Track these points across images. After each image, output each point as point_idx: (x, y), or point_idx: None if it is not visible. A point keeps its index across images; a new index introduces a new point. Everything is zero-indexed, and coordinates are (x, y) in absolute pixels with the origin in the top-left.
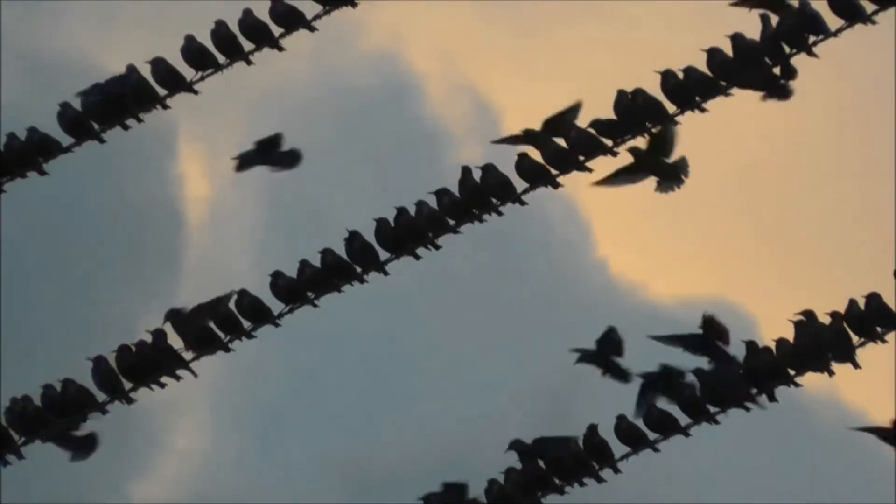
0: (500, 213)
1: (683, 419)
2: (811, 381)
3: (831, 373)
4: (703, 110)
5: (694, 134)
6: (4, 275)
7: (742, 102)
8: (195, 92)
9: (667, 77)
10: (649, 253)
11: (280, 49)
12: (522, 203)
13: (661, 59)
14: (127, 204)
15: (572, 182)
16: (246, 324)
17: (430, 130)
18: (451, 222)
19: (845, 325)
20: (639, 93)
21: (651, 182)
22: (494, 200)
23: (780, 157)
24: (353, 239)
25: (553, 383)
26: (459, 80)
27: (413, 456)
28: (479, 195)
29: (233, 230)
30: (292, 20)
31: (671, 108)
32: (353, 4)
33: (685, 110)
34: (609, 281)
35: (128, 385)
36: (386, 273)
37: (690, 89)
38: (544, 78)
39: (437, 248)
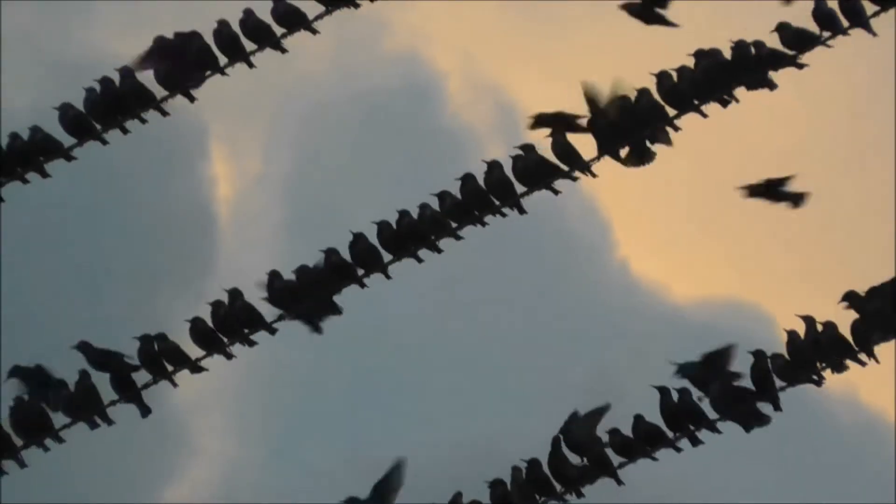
0: (503, 215)
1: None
2: (830, 381)
3: (822, 381)
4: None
5: (708, 135)
6: (25, 271)
7: (757, 102)
8: (192, 99)
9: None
10: (669, 254)
11: (283, 51)
12: (522, 211)
13: (686, 59)
14: (151, 203)
15: (591, 182)
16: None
17: (451, 131)
18: (454, 225)
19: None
20: (643, 93)
21: (669, 181)
22: (496, 202)
23: (798, 155)
24: (357, 241)
25: (572, 383)
26: (481, 81)
27: (436, 458)
28: (480, 195)
29: (256, 230)
30: (294, 20)
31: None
32: (356, 5)
33: (702, 105)
34: (630, 282)
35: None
36: (388, 276)
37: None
38: (566, 78)
39: (439, 251)
